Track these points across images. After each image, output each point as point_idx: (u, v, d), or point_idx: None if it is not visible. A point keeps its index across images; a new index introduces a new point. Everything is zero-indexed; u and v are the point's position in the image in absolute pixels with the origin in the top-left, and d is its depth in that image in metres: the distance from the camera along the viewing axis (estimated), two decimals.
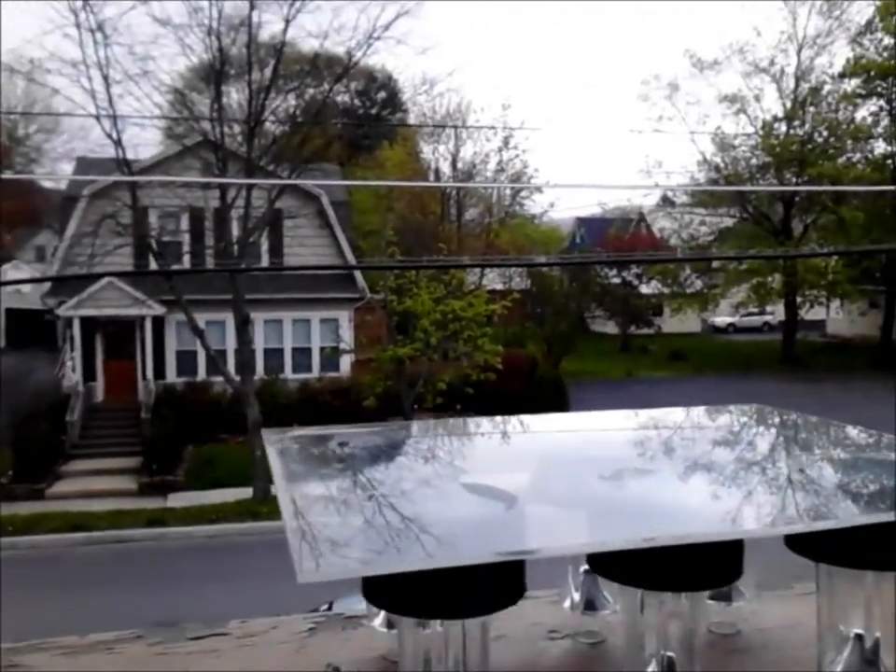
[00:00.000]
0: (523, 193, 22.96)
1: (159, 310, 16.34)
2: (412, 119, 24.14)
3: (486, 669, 0.50)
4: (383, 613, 0.63)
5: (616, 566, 0.51)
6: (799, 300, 27.06)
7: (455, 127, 20.80)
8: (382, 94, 25.11)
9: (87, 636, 0.66)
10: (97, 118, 13.58)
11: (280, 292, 16.47)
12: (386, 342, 15.01)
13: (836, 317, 30.80)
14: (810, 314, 28.12)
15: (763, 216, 27.53)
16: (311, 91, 17.34)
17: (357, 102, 24.84)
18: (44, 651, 0.63)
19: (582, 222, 30.54)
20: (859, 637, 0.55)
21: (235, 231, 14.57)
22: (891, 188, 23.20)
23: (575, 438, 0.69)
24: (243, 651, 0.65)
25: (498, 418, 0.74)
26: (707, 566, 0.50)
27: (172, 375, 17.09)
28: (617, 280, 26.13)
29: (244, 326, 13.98)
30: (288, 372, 17.25)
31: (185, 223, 16.19)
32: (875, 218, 24.97)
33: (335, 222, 16.96)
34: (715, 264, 27.65)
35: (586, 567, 0.67)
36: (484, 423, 0.72)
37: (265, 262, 16.82)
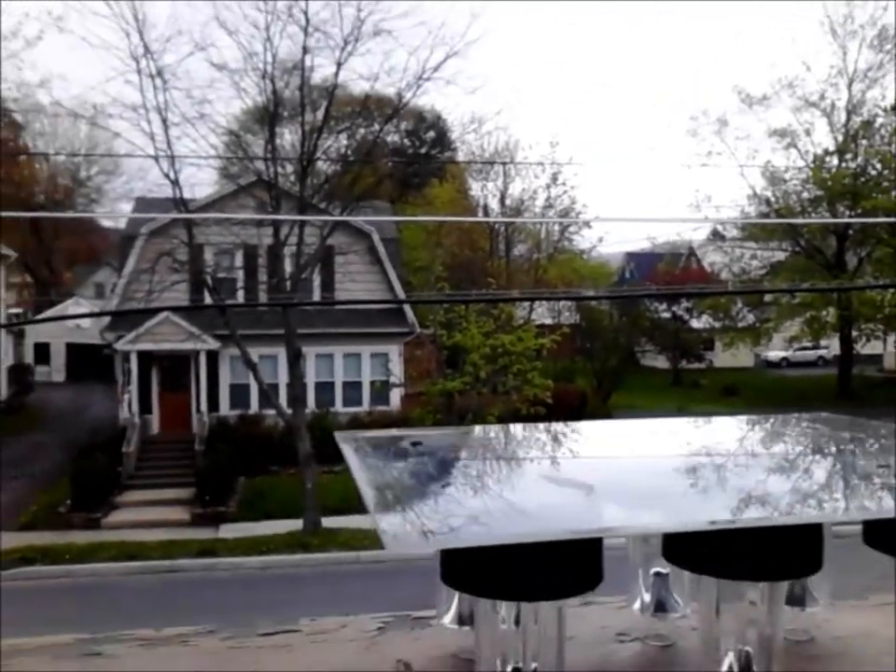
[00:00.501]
0: (571, 229, 22.97)
1: (213, 344, 16.62)
2: (460, 158, 24.38)
3: (562, 657, 0.51)
4: (453, 611, 0.64)
5: (692, 553, 0.51)
6: (854, 333, 26.47)
7: (504, 163, 20.97)
8: (431, 134, 25.42)
9: (162, 629, 0.68)
10: (156, 158, 13.98)
11: (331, 327, 16.67)
12: (436, 375, 15.05)
13: (893, 351, 30.02)
14: (866, 348, 27.46)
15: (815, 249, 27.08)
16: (362, 131, 17.66)
17: (406, 141, 25.18)
18: (122, 642, 0.65)
19: (632, 257, 30.38)
20: None
21: (288, 267, 14.81)
22: None
23: (644, 439, 0.70)
24: (313, 648, 0.67)
25: (558, 424, 0.75)
26: (787, 553, 0.50)
27: (225, 408, 17.34)
28: (667, 314, 25.87)
29: (296, 360, 14.14)
30: (339, 406, 17.38)
31: (239, 260, 16.52)
32: None
33: (385, 258, 17.14)
34: (767, 298, 27.22)
35: (657, 569, 0.67)
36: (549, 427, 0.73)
37: (317, 298, 17.04)
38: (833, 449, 0.67)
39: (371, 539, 12.44)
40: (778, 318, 26.39)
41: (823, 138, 28.02)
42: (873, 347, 28.13)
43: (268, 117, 14.56)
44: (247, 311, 16.50)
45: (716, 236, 30.09)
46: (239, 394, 17.29)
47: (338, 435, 0.65)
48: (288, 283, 14.44)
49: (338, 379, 17.60)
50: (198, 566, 11.91)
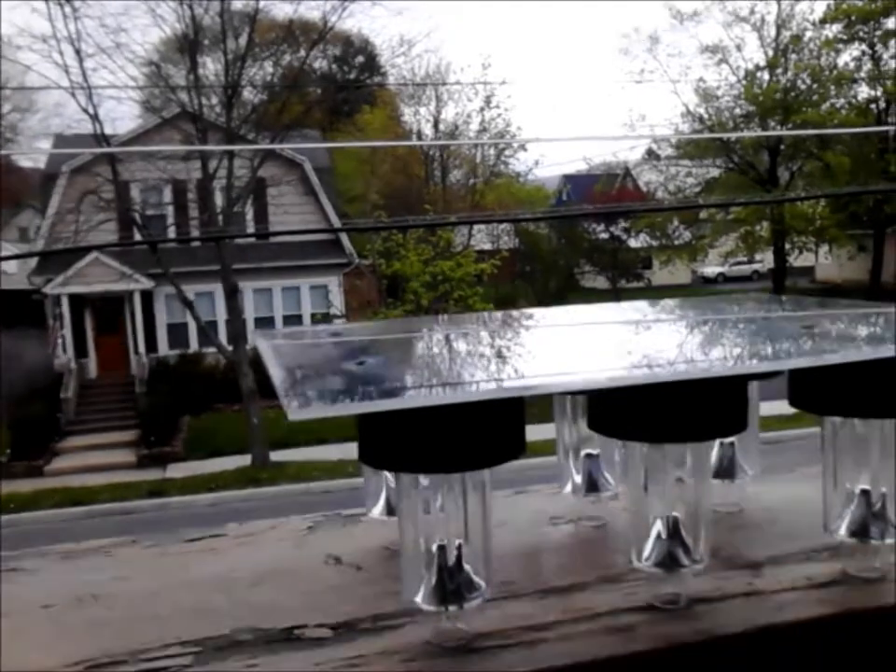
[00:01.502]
0: (507, 152, 22.78)
1: (147, 284, 16.24)
2: (391, 83, 23.84)
3: (488, 533, 0.49)
4: (381, 503, 0.62)
5: (616, 420, 0.50)
6: (787, 247, 27.06)
7: (435, 84, 20.57)
8: (360, 59, 24.77)
9: (82, 542, 0.65)
10: (72, 92, 13.38)
11: (268, 261, 16.38)
12: (377, 305, 14.99)
13: (825, 263, 30.85)
14: (799, 260, 28.14)
15: (748, 165, 27.42)
16: (287, 57, 17.11)
17: (334, 67, 24.51)
18: (43, 556, 0.62)
19: (568, 179, 30.37)
20: (864, 493, 0.54)
21: (219, 201, 14.44)
22: (876, 128, 23.11)
23: (582, 317, 0.67)
24: (240, 549, 0.64)
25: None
26: (710, 412, 0.49)
27: (164, 348, 17.06)
28: (605, 235, 26.06)
29: (232, 295, 13.91)
30: None
31: (168, 196, 16.04)
32: (860, 163, 24.90)
33: (319, 188, 16.82)
34: (703, 215, 27.57)
35: (587, 450, 0.66)
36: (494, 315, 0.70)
37: (250, 231, 16.72)
38: (762, 314, 0.65)
39: (320, 471, 12.51)
40: (714, 234, 26.80)
41: (754, 53, 28.13)
42: (805, 259, 28.82)
43: (188, 45, 13.99)
44: (180, 248, 16.11)
45: (651, 155, 30.21)
46: (177, 333, 16.99)
47: (254, 332, 0.61)
48: (220, 217, 14.10)
49: (277, 313, 17.39)
50: (148, 506, 11.85)
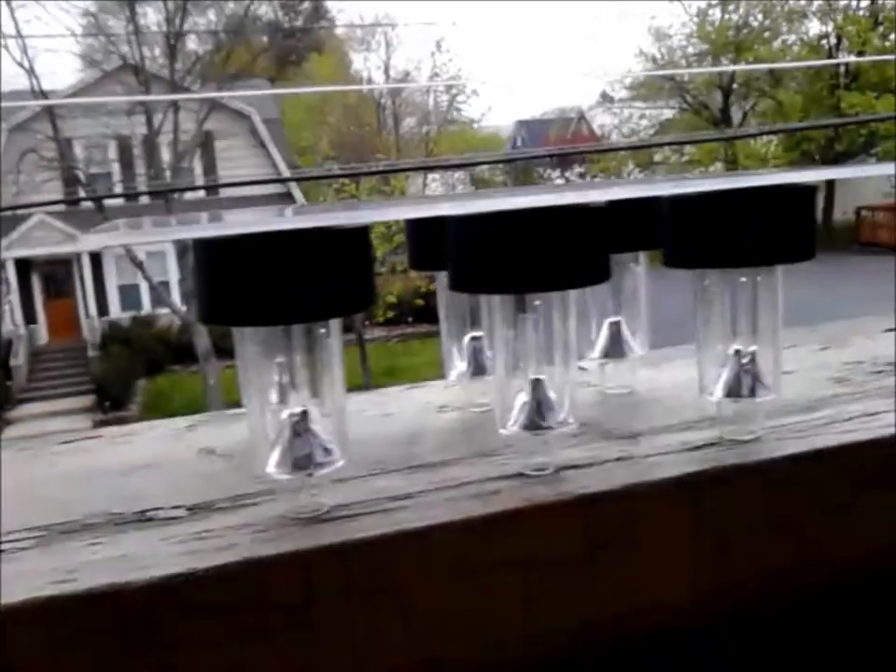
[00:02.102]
0: (460, 98, 22.50)
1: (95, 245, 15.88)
2: (339, 29, 23.34)
3: (341, 398, 0.47)
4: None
5: (473, 274, 0.47)
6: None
7: (384, 26, 20.17)
8: (306, 5, 24.16)
9: None
10: (4, 44, 12.88)
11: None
12: None
13: None
14: None
15: (702, 105, 27.46)
16: (231, 5, 16.63)
17: (280, 14, 23.89)
18: None
19: (522, 125, 30.16)
20: (737, 353, 0.53)
21: (166, 156, 14.12)
22: (826, 62, 23.22)
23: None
24: (114, 448, 0.62)
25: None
26: (576, 261, 0.46)
27: (116, 311, 16.77)
28: (561, 181, 25.99)
29: (184, 254, 13.68)
30: None
31: (112, 152, 15.62)
32: (812, 100, 25.06)
33: (269, 140, 16.50)
34: (657, 157, 27.62)
35: (472, 334, 0.65)
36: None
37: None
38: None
39: None
40: (673, 176, 26.86)
41: None
42: None
43: None
44: (128, 206, 15.75)
45: (605, 98, 30.07)
46: (129, 295, 16.70)
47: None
48: (168, 173, 13.80)
49: None
50: None
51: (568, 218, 0.45)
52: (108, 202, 15.05)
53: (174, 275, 15.70)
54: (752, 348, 0.52)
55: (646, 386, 0.67)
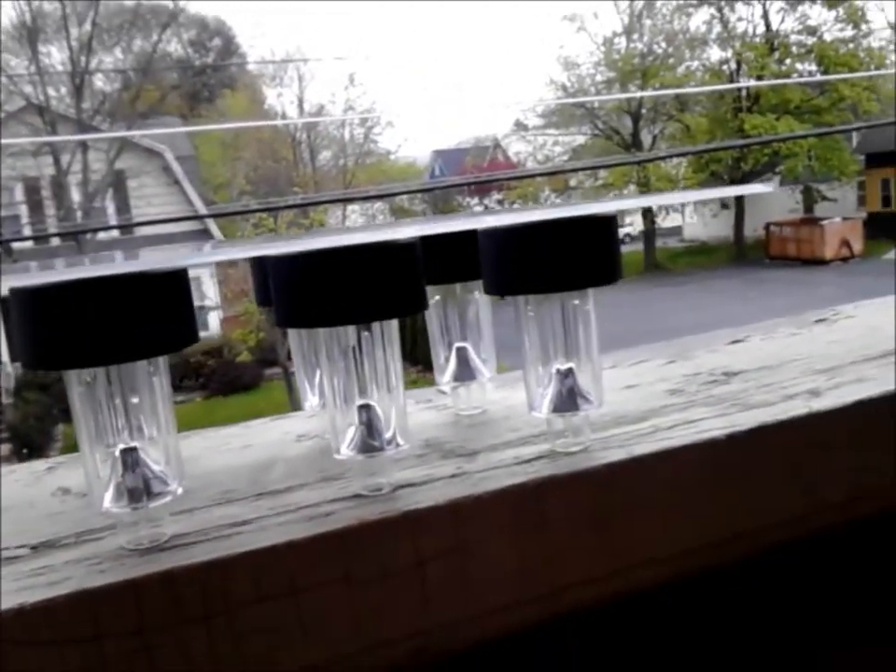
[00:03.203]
0: (375, 130, 22.66)
1: (3, 289, 15.40)
2: (250, 66, 23.29)
3: (171, 429, 0.49)
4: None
5: (293, 309, 0.50)
6: (655, 209, 28.02)
7: (296, 61, 20.19)
8: (216, 41, 24.07)
9: None
10: None
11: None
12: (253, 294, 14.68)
13: (691, 222, 32.13)
14: (667, 221, 29.25)
15: (613, 130, 28.22)
16: (139, 43, 16.47)
17: (190, 52, 23.72)
18: None
19: (439, 154, 30.53)
20: (559, 371, 0.57)
21: (76, 197, 13.84)
22: (728, 86, 24.16)
23: None
24: None
25: None
26: (373, 292, 0.49)
27: None
28: (479, 207, 26.33)
29: None
30: None
31: (19, 194, 15.22)
32: (717, 123, 26.03)
33: (183, 177, 16.31)
34: (572, 182, 28.23)
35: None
36: None
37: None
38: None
39: None
40: (584, 201, 27.48)
41: (610, 20, 28.80)
42: (673, 220, 29.97)
43: (28, 33, 13.27)
44: (38, 249, 15.32)
45: (519, 126, 30.66)
46: None
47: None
48: (79, 213, 13.52)
49: None
50: None
51: (379, 254, 0.49)
52: (17, 244, 14.63)
53: None
54: (569, 365, 0.56)
55: (498, 406, 0.70)
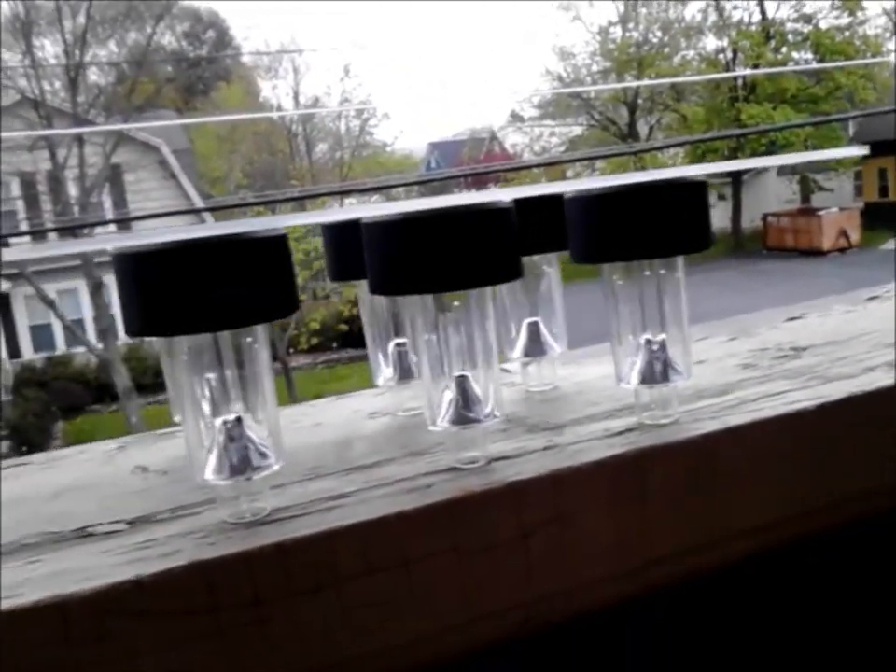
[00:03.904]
0: (371, 122, 22.57)
1: (2, 286, 15.36)
2: (245, 57, 23.21)
3: (272, 402, 0.48)
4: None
5: (390, 276, 0.49)
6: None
7: (288, 52, 20.10)
8: (210, 34, 23.98)
9: None
10: None
11: None
12: None
13: None
14: None
15: (609, 121, 28.18)
16: (133, 35, 16.39)
17: (185, 44, 23.63)
18: None
19: (435, 146, 30.44)
20: (648, 342, 0.56)
21: (73, 192, 13.77)
22: (724, 75, 24.13)
23: None
24: (44, 472, 0.61)
25: None
26: (487, 257, 0.48)
27: (28, 352, 16.20)
28: None
29: (97, 291, 13.33)
30: None
31: (16, 189, 15.15)
32: (714, 112, 26.00)
33: (179, 171, 16.25)
34: (569, 174, 28.18)
35: (396, 340, 0.66)
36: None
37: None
38: None
39: None
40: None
41: (606, 9, 28.75)
42: None
43: (21, 27, 13.18)
44: (36, 244, 15.27)
45: (515, 117, 30.60)
46: (41, 335, 16.16)
47: None
48: (76, 208, 13.45)
49: None
50: None
51: (478, 218, 0.48)
52: (14, 240, 14.56)
53: (88, 313, 15.27)
54: (661, 336, 0.56)
55: (568, 382, 0.70)
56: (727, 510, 0.54)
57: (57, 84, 14.71)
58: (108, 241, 0.44)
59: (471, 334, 0.51)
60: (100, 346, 13.57)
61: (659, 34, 27.22)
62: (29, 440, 14.06)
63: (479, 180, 25.98)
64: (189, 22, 22.39)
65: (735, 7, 26.81)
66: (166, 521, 0.49)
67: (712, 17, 27.43)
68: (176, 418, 0.61)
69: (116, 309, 16.28)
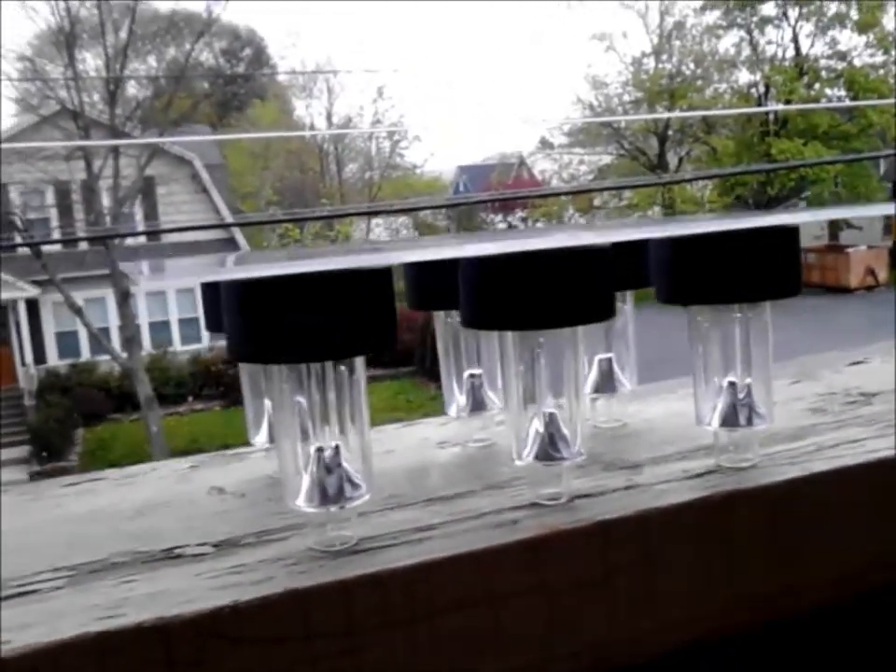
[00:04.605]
0: (402, 144, 22.77)
1: (32, 291, 15.54)
2: (280, 76, 23.50)
3: (366, 433, 0.48)
4: (264, 431, 0.61)
5: (491, 309, 0.50)
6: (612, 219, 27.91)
7: (326, 73, 20.36)
8: (247, 51, 24.31)
9: None
10: None
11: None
12: None
13: None
14: None
15: (639, 151, 28.22)
16: (172, 51, 16.66)
17: (222, 61, 23.99)
18: None
19: (464, 170, 30.59)
20: (732, 385, 0.56)
21: (106, 202, 13.96)
22: (756, 109, 24.13)
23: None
24: (121, 489, 0.62)
25: None
26: (587, 295, 0.49)
27: (53, 359, 16.36)
28: (503, 225, 26.36)
29: (124, 300, 13.48)
30: (177, 345, 16.77)
31: (50, 198, 15.38)
32: (744, 146, 25.98)
33: (211, 185, 16.44)
34: (597, 202, 28.23)
35: (470, 371, 0.67)
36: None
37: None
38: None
39: None
40: (607, 221, 27.48)
41: (640, 40, 28.90)
42: None
43: (65, 39, 13.43)
44: (67, 252, 15.47)
45: (544, 144, 30.72)
46: (67, 342, 16.32)
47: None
48: (108, 218, 13.63)
49: (173, 317, 16.90)
50: None
51: (580, 258, 0.48)
52: (46, 248, 14.77)
53: (114, 322, 15.42)
54: (748, 380, 0.56)
55: (636, 419, 0.69)
56: (809, 556, 0.54)
57: (96, 96, 14.96)
58: (233, 272, 0.45)
59: (561, 370, 0.51)
60: (124, 355, 13.69)
61: (692, 66, 27.30)
62: (50, 445, 14.17)
63: (506, 205, 26.08)
64: (227, 40, 22.72)
65: (769, 43, 26.85)
66: (252, 545, 0.49)
67: (746, 51, 27.51)
68: (255, 441, 0.61)
69: (142, 319, 16.48)
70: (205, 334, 17.26)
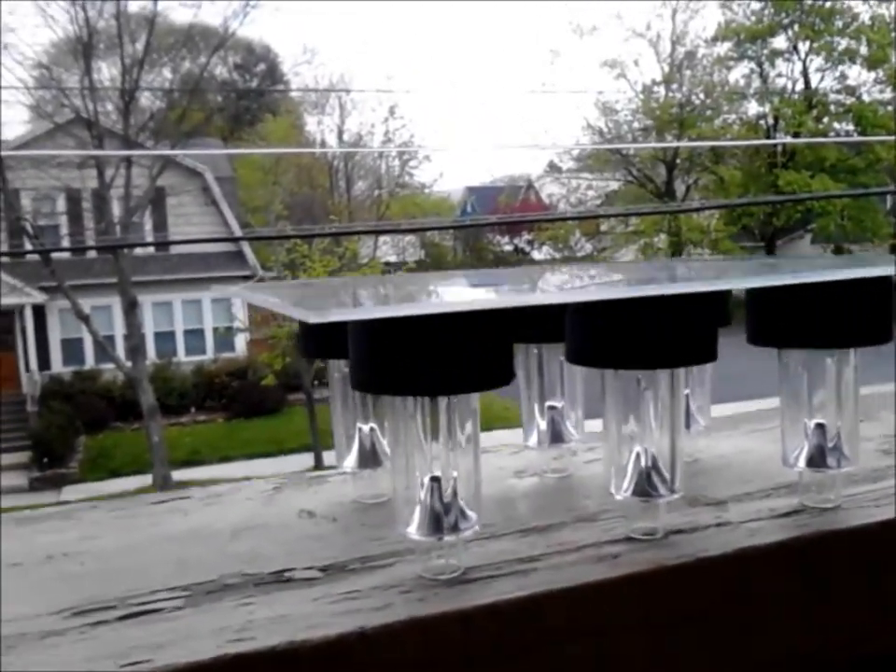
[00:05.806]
0: (412, 163, 22.89)
1: (39, 297, 15.57)
2: (293, 92, 23.65)
3: (478, 465, 0.49)
4: (354, 454, 0.62)
5: (595, 348, 0.51)
6: (684, 257, 28.00)
7: (337, 91, 20.49)
8: (261, 66, 24.50)
9: (39, 508, 0.63)
10: None
11: (168, 273, 15.95)
12: (283, 318, 14.76)
13: None
14: None
15: (647, 178, 28.33)
16: (187, 64, 16.78)
17: (235, 75, 24.16)
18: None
19: (472, 191, 30.70)
20: (820, 427, 0.57)
21: (116, 211, 14.01)
22: (764, 141, 24.26)
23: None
24: (209, 509, 0.63)
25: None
26: (688, 337, 0.50)
27: (58, 365, 16.37)
28: (509, 247, 26.44)
29: (131, 309, 13.49)
30: (182, 355, 16.79)
31: (61, 205, 15.44)
32: (751, 177, 26.10)
33: (221, 198, 16.50)
34: (603, 227, 28.30)
35: (550, 402, 0.68)
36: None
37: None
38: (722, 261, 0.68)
39: None
40: (614, 246, 27.55)
41: (651, 69, 29.10)
42: None
43: (82, 49, 13.53)
44: (75, 260, 15.52)
45: (553, 168, 30.85)
46: (72, 349, 16.34)
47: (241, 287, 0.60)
48: (118, 228, 13.68)
49: (178, 327, 16.93)
50: None
51: (688, 303, 0.50)
52: (55, 255, 14.81)
53: (120, 330, 15.44)
54: (838, 424, 0.57)
55: (706, 455, 0.70)
56: None
57: (109, 106, 15.04)
58: (352, 314, 0.46)
59: (664, 409, 0.52)
60: (128, 364, 13.69)
61: (702, 96, 27.47)
62: (51, 451, 14.14)
63: (512, 228, 26.16)
64: (241, 54, 22.90)
65: (779, 75, 27.05)
66: (359, 571, 0.50)
67: (756, 83, 27.70)
68: (343, 465, 0.62)
69: (148, 329, 16.49)
70: (210, 345, 17.35)
